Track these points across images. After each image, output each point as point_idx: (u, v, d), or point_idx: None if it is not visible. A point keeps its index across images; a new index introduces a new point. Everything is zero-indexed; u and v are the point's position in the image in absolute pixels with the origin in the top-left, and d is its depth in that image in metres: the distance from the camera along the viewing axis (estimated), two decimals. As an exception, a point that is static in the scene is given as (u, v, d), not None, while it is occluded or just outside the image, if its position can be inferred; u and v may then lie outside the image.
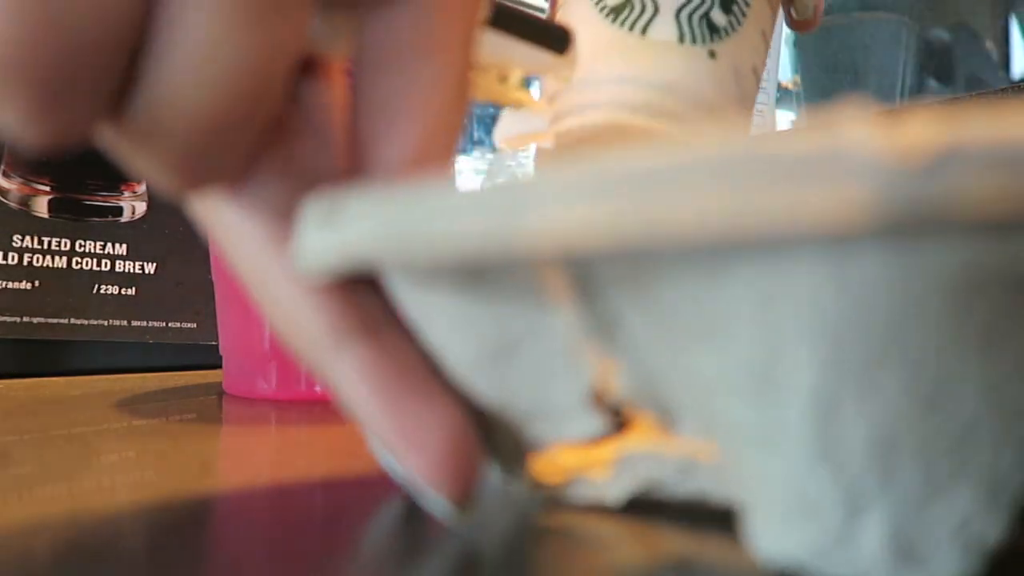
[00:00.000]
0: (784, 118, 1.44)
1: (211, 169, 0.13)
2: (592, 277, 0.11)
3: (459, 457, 0.13)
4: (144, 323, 0.46)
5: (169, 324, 0.47)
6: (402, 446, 0.13)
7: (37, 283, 0.43)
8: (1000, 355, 0.10)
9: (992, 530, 0.11)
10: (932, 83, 0.98)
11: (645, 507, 0.15)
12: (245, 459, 0.20)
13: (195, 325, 0.47)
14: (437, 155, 0.14)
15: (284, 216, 0.13)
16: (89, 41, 0.10)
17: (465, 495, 0.13)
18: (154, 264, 0.46)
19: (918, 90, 0.97)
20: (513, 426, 0.14)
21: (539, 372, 0.13)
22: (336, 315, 0.13)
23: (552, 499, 0.15)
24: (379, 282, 0.14)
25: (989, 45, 1.01)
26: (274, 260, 0.13)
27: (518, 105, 0.26)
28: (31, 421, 0.26)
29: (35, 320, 0.43)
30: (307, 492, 0.17)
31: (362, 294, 0.13)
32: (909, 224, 0.08)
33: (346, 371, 0.13)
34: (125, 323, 0.45)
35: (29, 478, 0.18)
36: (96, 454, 0.21)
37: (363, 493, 0.17)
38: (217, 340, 0.35)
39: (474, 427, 0.13)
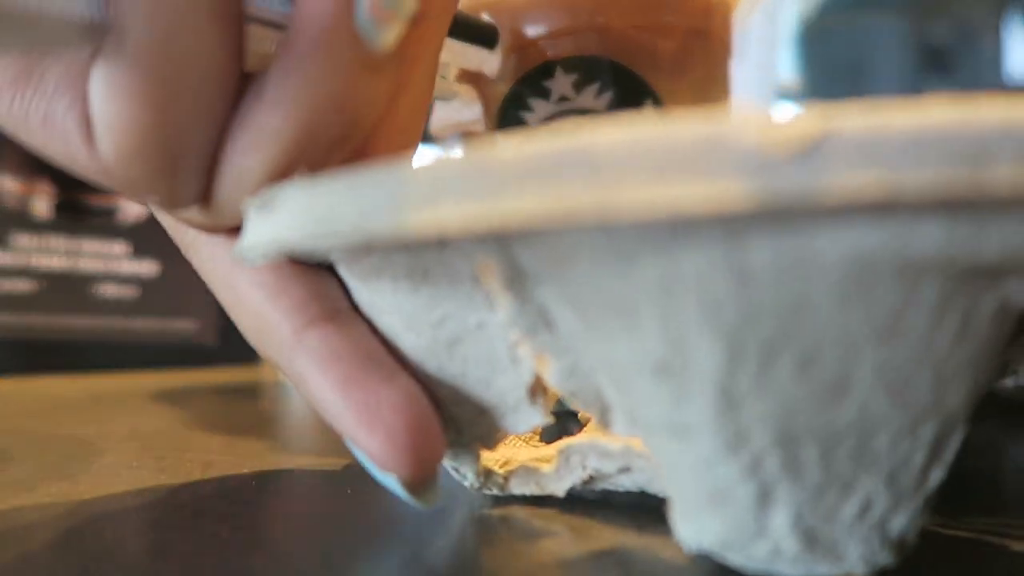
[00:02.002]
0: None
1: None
2: (521, 274, 0.12)
3: (415, 436, 0.13)
4: (144, 323, 0.46)
5: (169, 324, 0.47)
6: (358, 428, 0.13)
7: (37, 283, 0.43)
8: (897, 347, 0.10)
9: (897, 520, 0.11)
10: (932, 83, 0.98)
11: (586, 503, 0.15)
12: (246, 459, 0.20)
13: (195, 325, 0.47)
14: (410, 139, 0.16)
15: None
16: (195, 132, 0.13)
17: (423, 475, 0.13)
18: (154, 264, 0.46)
19: (918, 90, 0.97)
20: (463, 420, 0.15)
21: (484, 367, 0.14)
22: (294, 311, 0.14)
23: (499, 492, 0.16)
24: (333, 282, 0.14)
25: (989, 45, 1.01)
26: (239, 267, 0.14)
27: (452, 96, 0.26)
28: (31, 421, 0.27)
29: (35, 320, 0.43)
30: (308, 491, 0.17)
31: (321, 288, 0.14)
32: (784, 211, 0.09)
33: (305, 362, 0.14)
34: (125, 323, 0.45)
35: (29, 478, 0.18)
36: (96, 454, 0.21)
37: (359, 491, 0.17)
38: (217, 340, 0.35)
39: (433, 410, 0.14)
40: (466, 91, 0.26)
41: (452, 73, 0.26)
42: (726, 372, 0.10)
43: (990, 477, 0.18)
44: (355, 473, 0.19)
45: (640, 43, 0.27)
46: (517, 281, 0.12)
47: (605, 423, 0.13)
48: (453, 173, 0.10)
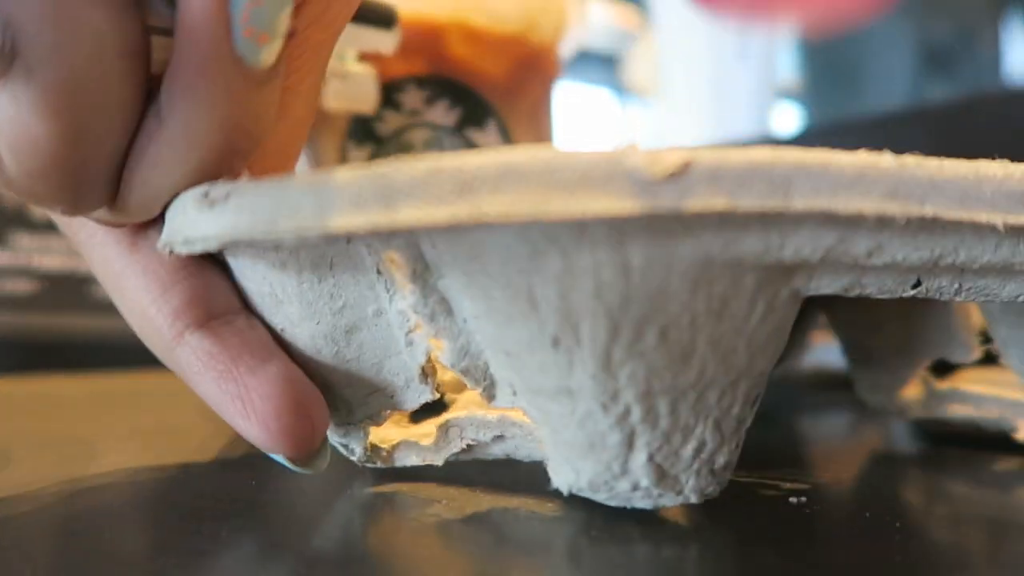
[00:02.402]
0: (784, 116, 1.44)
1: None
2: (427, 268, 0.14)
3: (286, 419, 0.14)
4: (144, 323, 0.46)
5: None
6: (236, 418, 0.14)
7: (37, 283, 0.43)
8: (725, 323, 0.13)
9: (720, 457, 0.14)
10: (932, 83, 0.98)
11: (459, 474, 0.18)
12: (247, 458, 0.20)
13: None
14: (296, 144, 0.17)
15: (137, 227, 0.15)
16: (99, 153, 0.13)
17: (301, 452, 0.15)
18: (154, 264, 0.46)
19: (918, 90, 0.97)
20: (355, 400, 0.16)
21: (378, 351, 0.16)
22: (175, 315, 0.15)
23: (383, 464, 0.17)
24: (220, 279, 0.16)
25: (988, 45, 1.01)
26: (128, 264, 0.15)
27: (346, 76, 0.28)
28: (31, 421, 0.27)
29: (35, 320, 0.43)
30: (307, 491, 0.17)
31: (204, 289, 0.15)
32: (658, 217, 0.12)
33: (187, 356, 0.15)
34: (125, 323, 0.45)
35: (29, 478, 0.18)
36: (96, 454, 0.21)
37: (358, 490, 0.17)
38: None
39: (311, 391, 0.15)
40: (364, 70, 0.28)
41: (351, 55, 0.28)
42: (607, 344, 0.13)
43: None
44: (354, 473, 0.19)
45: (476, 69, 0.30)
46: (423, 274, 0.14)
47: (489, 396, 0.15)
48: (414, 177, 0.12)
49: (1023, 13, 1.06)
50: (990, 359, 0.22)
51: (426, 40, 0.29)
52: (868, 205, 0.12)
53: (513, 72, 0.31)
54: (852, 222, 0.12)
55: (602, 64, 1.64)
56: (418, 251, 0.13)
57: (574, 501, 0.15)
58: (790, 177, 0.12)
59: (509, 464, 0.17)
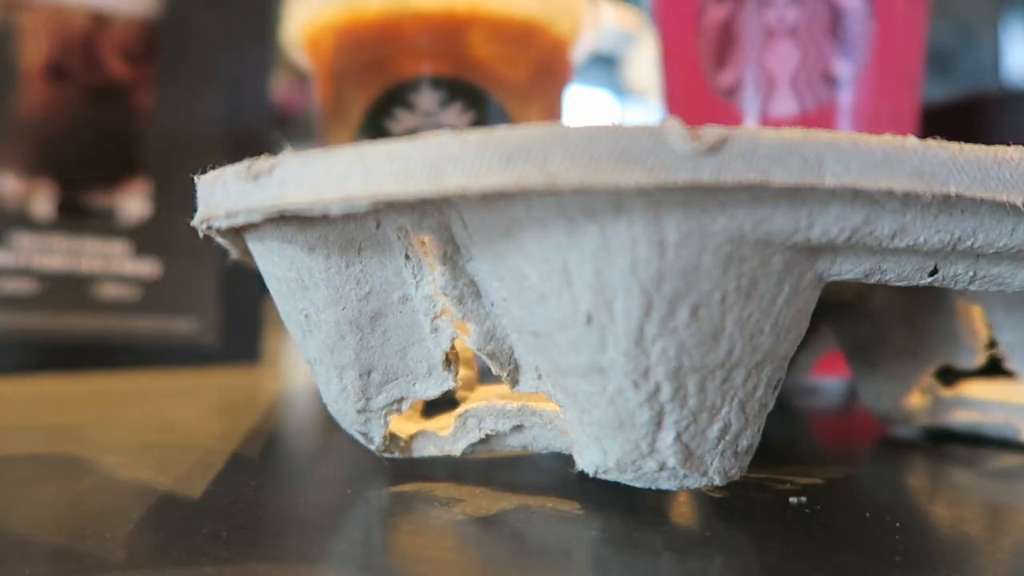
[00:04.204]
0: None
1: None
2: (456, 249, 0.14)
3: None
4: (145, 323, 0.46)
5: (170, 324, 0.47)
6: None
7: (38, 283, 0.43)
8: (753, 304, 0.13)
9: (744, 440, 0.14)
10: (932, 83, 0.98)
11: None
12: (245, 459, 0.20)
13: (196, 325, 0.48)
14: None
15: None
16: None
17: None
18: (156, 264, 0.46)
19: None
20: (376, 386, 0.16)
21: (402, 338, 0.16)
22: None
23: (402, 454, 0.17)
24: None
25: (988, 45, 1.01)
26: None
27: None
28: (31, 421, 0.27)
29: (35, 320, 0.43)
30: (308, 491, 0.17)
31: None
32: (695, 190, 0.12)
33: None
34: (126, 323, 0.45)
35: (29, 478, 0.18)
36: (97, 454, 0.21)
37: (360, 491, 0.17)
38: (218, 340, 0.35)
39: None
40: None
41: None
42: (640, 320, 0.13)
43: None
44: (356, 473, 0.19)
45: (495, 71, 0.31)
46: (453, 256, 0.14)
47: (513, 381, 0.15)
48: (462, 147, 0.12)
49: (1023, 13, 1.06)
50: (995, 368, 0.22)
51: (448, 39, 0.30)
52: (896, 183, 0.12)
53: (531, 74, 0.31)
54: (878, 202, 0.13)
55: (602, 65, 1.64)
56: (449, 233, 0.14)
57: (593, 500, 0.16)
58: (822, 154, 0.12)
59: (526, 461, 0.17)
